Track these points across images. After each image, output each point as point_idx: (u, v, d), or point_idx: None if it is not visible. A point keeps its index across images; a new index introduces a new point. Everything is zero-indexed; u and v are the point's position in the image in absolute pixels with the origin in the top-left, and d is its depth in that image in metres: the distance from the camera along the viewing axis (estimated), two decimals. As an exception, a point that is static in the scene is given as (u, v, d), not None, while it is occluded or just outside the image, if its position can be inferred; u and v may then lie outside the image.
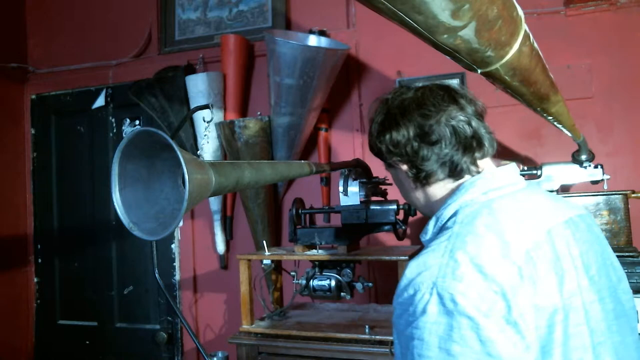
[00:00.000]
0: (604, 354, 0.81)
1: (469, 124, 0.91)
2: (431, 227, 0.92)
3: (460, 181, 0.91)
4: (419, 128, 0.90)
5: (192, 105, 2.35)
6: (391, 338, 1.45)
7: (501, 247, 0.76)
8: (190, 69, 2.53)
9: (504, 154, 2.12)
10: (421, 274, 0.76)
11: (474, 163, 0.91)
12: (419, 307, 0.73)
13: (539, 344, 0.73)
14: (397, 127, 0.92)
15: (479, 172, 0.91)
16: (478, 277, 0.72)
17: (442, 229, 0.87)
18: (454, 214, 0.86)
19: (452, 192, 0.91)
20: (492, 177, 0.89)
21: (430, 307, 0.72)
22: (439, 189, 0.93)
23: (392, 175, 1.04)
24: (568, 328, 0.77)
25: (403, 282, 0.78)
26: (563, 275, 0.80)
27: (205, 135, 2.33)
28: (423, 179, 0.92)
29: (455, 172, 0.90)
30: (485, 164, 0.93)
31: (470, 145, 0.90)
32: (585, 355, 0.78)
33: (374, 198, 1.71)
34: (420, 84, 0.98)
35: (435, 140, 0.89)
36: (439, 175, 0.91)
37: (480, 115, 0.94)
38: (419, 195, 0.97)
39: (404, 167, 0.94)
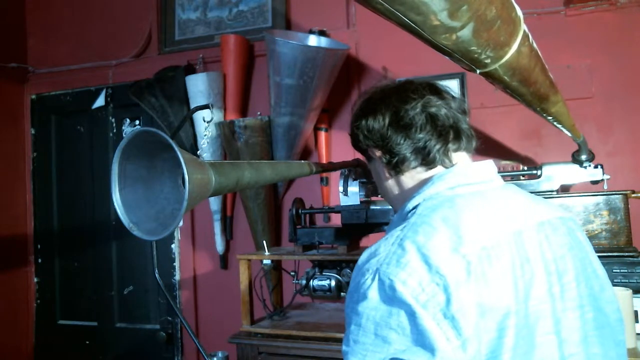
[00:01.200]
0: None
1: (448, 113, 0.89)
2: (395, 217, 0.90)
3: (431, 173, 0.89)
4: (395, 113, 0.89)
5: (192, 105, 2.35)
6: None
7: (453, 241, 0.72)
8: (190, 69, 2.53)
9: (504, 154, 2.12)
10: (369, 260, 0.74)
11: (447, 154, 0.89)
12: (360, 292, 0.72)
13: (488, 348, 0.70)
14: (374, 113, 0.91)
15: (452, 165, 0.89)
16: (422, 266, 0.69)
17: (403, 220, 0.84)
18: (416, 207, 0.83)
19: (421, 185, 0.88)
20: (461, 172, 0.86)
21: (371, 292, 0.70)
22: (410, 178, 0.91)
23: (371, 170, 1.02)
24: (532, 334, 0.74)
25: (355, 269, 0.77)
26: (531, 279, 0.76)
27: (205, 135, 2.33)
28: (395, 165, 0.90)
29: (427, 160, 0.88)
30: (461, 158, 0.91)
31: (447, 134, 0.88)
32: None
33: (374, 198, 1.71)
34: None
35: (409, 123, 0.87)
36: (412, 163, 0.89)
37: (462, 112, 0.93)
38: (392, 186, 0.94)
39: (378, 153, 0.92)
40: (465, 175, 0.86)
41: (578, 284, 0.83)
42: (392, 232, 0.77)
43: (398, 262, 0.70)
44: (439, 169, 0.89)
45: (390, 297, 0.68)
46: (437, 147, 0.87)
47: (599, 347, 0.83)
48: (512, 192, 0.90)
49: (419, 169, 0.89)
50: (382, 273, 0.70)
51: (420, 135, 0.87)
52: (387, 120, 0.89)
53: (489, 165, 0.90)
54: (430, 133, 0.87)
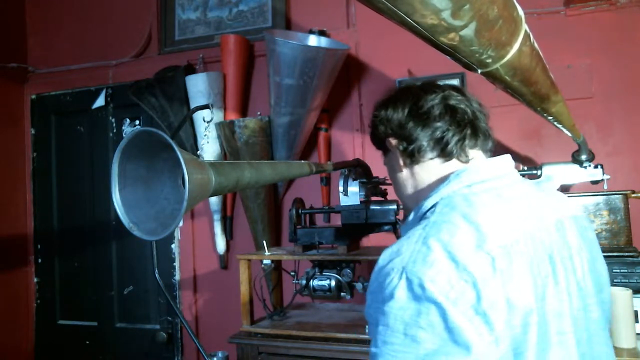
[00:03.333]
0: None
1: (467, 109, 0.90)
2: (411, 217, 0.89)
3: (447, 167, 0.89)
4: (415, 102, 0.91)
5: (192, 105, 2.35)
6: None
7: (476, 238, 0.72)
8: (190, 69, 2.53)
9: (504, 154, 2.12)
10: (393, 260, 0.73)
11: (464, 148, 0.88)
12: (387, 292, 0.71)
13: (511, 345, 0.70)
14: (394, 103, 0.93)
15: (467, 161, 0.89)
16: (449, 264, 0.69)
17: (420, 219, 0.84)
18: (434, 206, 0.83)
19: (437, 183, 0.88)
20: (477, 170, 0.85)
21: (399, 292, 0.69)
22: (426, 171, 0.90)
23: (387, 166, 1.02)
24: (547, 333, 0.75)
25: (375, 270, 0.76)
26: (546, 278, 0.77)
27: (205, 135, 2.33)
28: (411, 153, 0.90)
29: (445, 152, 0.88)
30: (476, 155, 0.91)
31: (464, 127, 0.89)
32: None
33: (374, 198, 1.71)
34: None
35: (427, 112, 0.88)
36: (428, 153, 0.89)
37: (482, 112, 0.94)
38: (406, 179, 0.94)
39: (394, 142, 0.92)
40: (480, 173, 0.85)
41: (587, 284, 0.84)
42: (414, 232, 0.77)
43: (424, 260, 0.70)
44: (454, 163, 0.89)
45: (419, 295, 0.68)
46: (455, 138, 0.88)
47: (604, 347, 0.84)
48: (529, 188, 0.89)
49: (436, 160, 0.89)
50: (410, 272, 0.69)
51: (438, 124, 0.88)
52: (406, 110, 0.90)
53: (505, 160, 0.90)
54: (449, 123, 0.88)
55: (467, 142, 0.89)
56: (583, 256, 0.86)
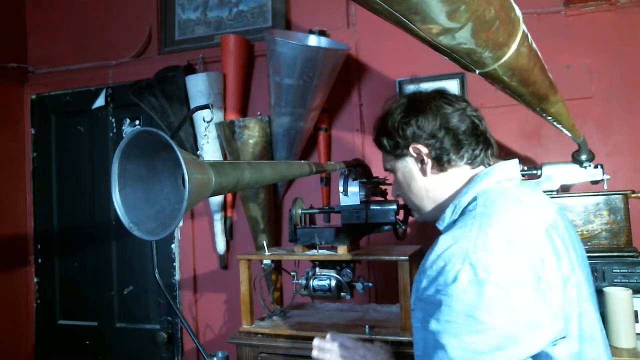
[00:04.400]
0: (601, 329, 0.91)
1: (481, 122, 1.02)
2: (448, 214, 0.96)
3: (475, 171, 0.98)
4: (444, 114, 0.98)
5: (192, 105, 2.35)
6: (392, 338, 1.45)
7: (526, 224, 0.82)
8: (190, 69, 2.53)
9: (504, 154, 2.12)
10: (451, 246, 0.79)
11: (488, 157, 1.01)
12: (449, 276, 0.76)
13: (564, 318, 0.79)
14: (424, 112, 0.99)
15: (490, 165, 1.01)
16: (509, 249, 0.76)
17: (461, 214, 0.93)
18: (473, 200, 0.92)
19: (467, 182, 0.97)
20: (503, 169, 0.97)
21: (462, 275, 0.75)
22: (453, 176, 0.99)
23: (395, 169, 1.06)
24: (582, 303, 0.85)
25: (432, 256, 0.82)
26: (568, 255, 0.87)
27: (205, 135, 2.33)
28: (441, 162, 0.98)
29: (474, 160, 0.99)
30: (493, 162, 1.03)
31: (485, 139, 1.01)
32: (594, 332, 0.87)
33: (374, 198, 1.71)
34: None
35: (459, 125, 0.98)
36: (458, 162, 0.98)
37: (483, 120, 1.04)
38: (427, 184, 1.01)
39: (425, 150, 0.98)
40: (506, 172, 0.97)
41: (583, 269, 0.94)
42: (464, 223, 0.85)
43: (485, 247, 0.77)
44: (480, 169, 1.00)
45: (483, 279, 0.74)
46: (481, 148, 0.99)
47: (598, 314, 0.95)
48: (530, 186, 1.01)
49: (464, 167, 0.99)
50: (473, 258, 0.76)
51: (468, 139, 0.98)
52: (438, 122, 0.98)
53: (517, 163, 1.02)
54: (475, 138, 0.99)
55: (489, 152, 1.01)
56: (577, 242, 0.96)
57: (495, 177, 0.95)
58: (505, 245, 0.77)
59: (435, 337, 0.77)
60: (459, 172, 0.99)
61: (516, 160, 1.01)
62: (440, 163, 0.98)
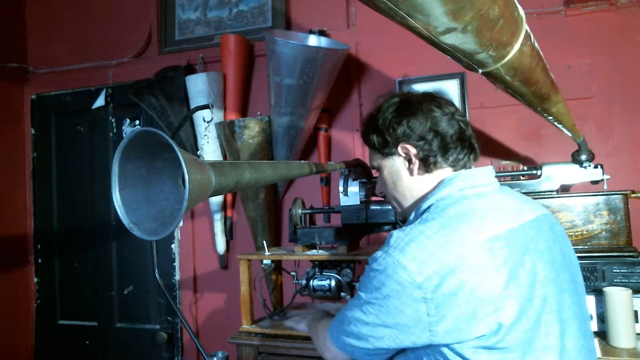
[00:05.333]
0: (568, 338, 0.91)
1: (467, 127, 1.04)
2: (412, 216, 1.01)
3: (454, 174, 1.01)
4: (434, 117, 1.00)
5: (192, 105, 2.35)
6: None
7: (458, 234, 0.85)
8: (190, 69, 2.53)
9: (504, 154, 2.12)
10: (387, 243, 0.89)
11: (470, 162, 1.03)
12: (371, 263, 0.89)
13: (457, 326, 0.82)
14: (415, 113, 1.01)
15: (471, 168, 1.03)
16: (424, 254, 0.83)
17: (417, 218, 0.96)
18: (430, 206, 0.96)
19: (435, 187, 1.00)
20: (468, 176, 0.99)
21: (375, 263, 0.87)
22: (434, 178, 1.01)
23: (382, 166, 1.08)
24: (527, 314, 0.84)
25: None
26: (532, 268, 0.88)
27: (205, 135, 2.33)
28: (428, 164, 1.00)
29: (457, 164, 1.01)
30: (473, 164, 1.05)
31: (470, 144, 1.03)
32: (550, 342, 0.87)
33: (374, 198, 1.71)
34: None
35: (447, 129, 1.00)
36: (443, 164, 1.00)
37: (468, 124, 1.06)
38: (412, 184, 1.04)
39: (413, 150, 1.00)
40: (470, 179, 0.98)
41: (563, 271, 0.96)
42: (410, 225, 0.91)
43: (403, 249, 0.85)
44: (461, 172, 1.01)
45: (390, 274, 0.84)
46: (465, 152, 1.02)
47: (583, 323, 0.97)
48: (507, 194, 1.02)
49: (447, 169, 1.01)
50: (388, 255, 0.85)
51: (454, 143, 1.00)
52: (428, 124, 1.00)
53: (489, 170, 1.03)
54: (460, 143, 1.01)
55: (472, 156, 1.03)
56: (555, 248, 0.97)
57: (457, 184, 0.97)
58: (422, 249, 0.84)
59: (344, 308, 0.95)
60: (441, 174, 1.01)
61: (489, 168, 1.03)
62: (427, 164, 1.00)
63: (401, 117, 1.01)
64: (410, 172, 1.02)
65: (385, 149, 1.04)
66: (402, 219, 1.12)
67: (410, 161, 1.02)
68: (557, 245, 0.99)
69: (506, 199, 0.99)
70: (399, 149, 1.02)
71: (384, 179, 1.08)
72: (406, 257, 0.83)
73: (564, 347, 0.89)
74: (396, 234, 0.89)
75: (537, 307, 0.86)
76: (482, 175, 1.01)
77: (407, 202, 1.05)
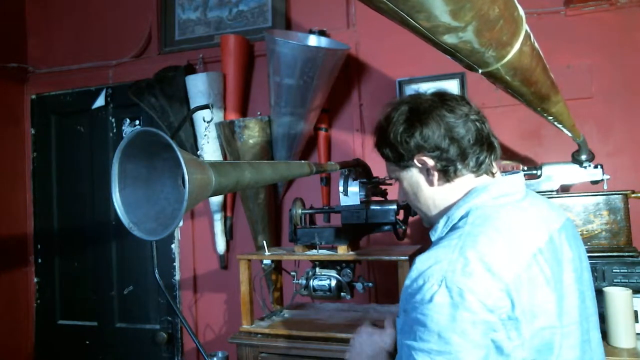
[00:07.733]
0: (587, 350, 0.91)
1: (485, 126, 0.98)
2: (441, 225, 0.95)
3: (476, 182, 0.96)
4: (447, 123, 0.94)
5: (192, 105, 2.35)
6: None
7: (509, 250, 0.81)
8: (190, 69, 2.53)
9: (504, 153, 2.12)
10: (431, 267, 0.80)
11: (492, 163, 0.97)
12: (426, 296, 0.78)
13: (538, 345, 0.79)
14: (427, 122, 0.94)
15: (494, 174, 0.98)
16: (486, 275, 0.77)
17: (452, 228, 0.91)
18: (465, 215, 0.90)
19: (465, 195, 0.95)
20: (502, 184, 0.95)
21: (437, 297, 0.76)
22: (458, 186, 0.96)
23: (401, 178, 1.03)
24: (563, 329, 0.84)
25: (413, 273, 0.83)
26: (561, 278, 0.87)
27: (205, 135, 2.33)
28: (447, 173, 0.95)
29: (479, 168, 0.95)
30: (496, 168, 0.99)
31: (489, 144, 0.97)
32: (574, 353, 0.86)
33: (374, 198, 1.71)
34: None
35: (463, 134, 0.94)
36: (463, 171, 0.95)
37: (486, 123, 1.00)
38: (434, 194, 0.98)
39: (431, 162, 0.95)
40: (504, 186, 0.95)
41: (585, 279, 0.96)
42: (449, 241, 0.84)
43: (463, 270, 0.77)
44: (484, 178, 0.97)
45: (457, 303, 0.75)
46: (485, 155, 0.96)
47: (597, 332, 0.98)
48: (536, 199, 1.00)
49: (469, 175, 0.96)
50: (449, 281, 0.77)
51: (472, 149, 0.95)
52: (442, 131, 0.93)
53: (520, 177, 1.00)
54: (480, 144, 0.95)
55: (492, 157, 0.98)
56: (582, 254, 0.97)
57: (492, 192, 0.93)
58: (482, 269, 0.77)
59: (410, 351, 0.79)
60: (463, 181, 0.96)
61: (520, 175, 1.00)
62: (447, 174, 0.95)
63: (413, 128, 0.95)
64: (430, 183, 0.97)
65: (401, 162, 0.99)
66: (428, 226, 1.06)
67: (428, 172, 0.97)
68: (577, 251, 0.98)
69: (537, 205, 0.97)
70: (415, 161, 0.97)
71: (405, 190, 1.04)
72: (471, 280, 0.76)
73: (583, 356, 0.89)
74: (443, 256, 0.81)
75: (570, 320, 0.86)
76: (515, 182, 0.98)
77: (431, 212, 1.01)
